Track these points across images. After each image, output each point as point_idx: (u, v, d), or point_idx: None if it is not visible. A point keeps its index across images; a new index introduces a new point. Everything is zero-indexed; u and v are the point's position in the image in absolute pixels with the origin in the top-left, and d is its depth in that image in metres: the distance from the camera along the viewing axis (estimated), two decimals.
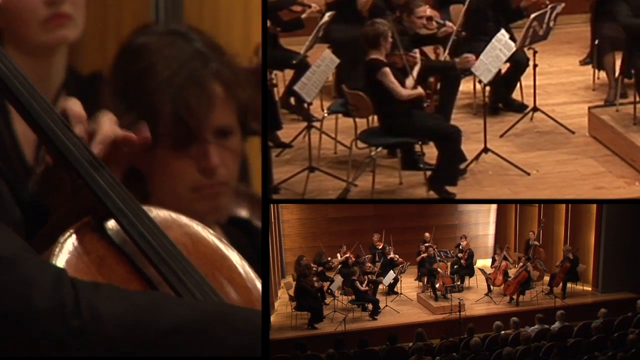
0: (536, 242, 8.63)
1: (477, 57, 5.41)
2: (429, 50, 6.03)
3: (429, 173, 5.16)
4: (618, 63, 5.92)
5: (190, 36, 2.48)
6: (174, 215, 2.16)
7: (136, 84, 2.39)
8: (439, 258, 8.61)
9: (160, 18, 3.18)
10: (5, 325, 1.72)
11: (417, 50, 5.39)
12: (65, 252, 1.92)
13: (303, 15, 6.26)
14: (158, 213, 2.10)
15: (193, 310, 1.87)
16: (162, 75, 2.38)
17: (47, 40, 2.68)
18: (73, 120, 2.01)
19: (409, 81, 5.20)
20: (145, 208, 2.05)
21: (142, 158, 2.33)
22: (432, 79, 5.44)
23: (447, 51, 5.70)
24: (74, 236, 1.96)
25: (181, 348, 1.81)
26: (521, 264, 8.29)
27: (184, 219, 2.17)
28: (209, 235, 2.23)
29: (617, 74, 5.92)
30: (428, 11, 5.80)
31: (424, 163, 5.29)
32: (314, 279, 7.73)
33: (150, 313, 1.81)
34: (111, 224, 2.02)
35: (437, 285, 8.24)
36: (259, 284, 2.22)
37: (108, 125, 2.04)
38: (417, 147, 5.40)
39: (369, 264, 8.46)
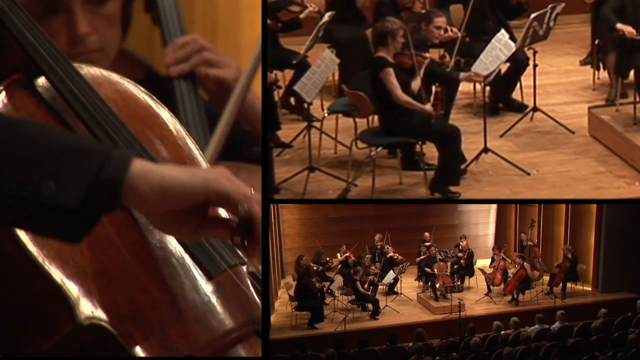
0: (530, 242, 8.64)
1: (477, 57, 5.41)
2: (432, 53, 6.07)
3: (430, 173, 5.15)
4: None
5: None
6: (104, 72, 2.14)
7: None
8: (439, 257, 8.61)
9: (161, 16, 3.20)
10: None
11: (428, 52, 5.38)
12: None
13: (301, 15, 6.26)
14: (89, 70, 2.09)
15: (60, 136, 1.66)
16: None
17: None
18: None
19: (416, 83, 5.19)
20: (76, 65, 2.03)
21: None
22: (437, 89, 5.46)
23: (452, 59, 5.72)
24: (3, 93, 1.95)
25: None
26: (518, 262, 8.30)
27: (114, 77, 2.15)
28: (139, 92, 2.21)
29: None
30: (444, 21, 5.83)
31: (425, 163, 5.29)
32: (314, 279, 7.73)
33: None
34: (41, 80, 2.00)
35: (437, 285, 8.24)
36: (189, 142, 2.21)
37: None
38: (417, 147, 5.39)
39: (372, 267, 8.47)
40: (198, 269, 2.08)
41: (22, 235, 1.87)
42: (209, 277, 2.08)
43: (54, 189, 1.56)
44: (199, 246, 2.08)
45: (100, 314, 1.91)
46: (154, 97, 2.24)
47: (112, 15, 2.55)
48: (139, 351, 1.95)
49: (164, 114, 2.23)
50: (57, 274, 1.88)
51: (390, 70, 5.05)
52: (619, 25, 5.68)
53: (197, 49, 2.83)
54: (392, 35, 5.09)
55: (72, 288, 1.88)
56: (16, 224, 1.75)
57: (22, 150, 1.58)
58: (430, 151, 5.28)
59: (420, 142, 5.23)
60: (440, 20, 5.71)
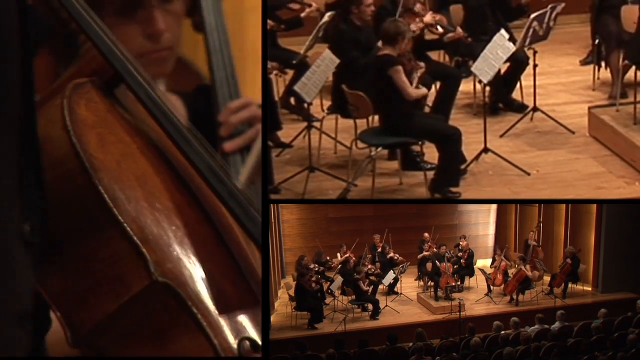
0: (534, 242, 8.65)
1: (477, 57, 5.41)
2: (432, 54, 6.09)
3: (430, 173, 5.15)
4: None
5: None
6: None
7: None
8: (447, 255, 8.61)
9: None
10: None
11: (423, 63, 5.40)
12: (75, 92, 2.15)
13: (302, 14, 6.27)
14: None
15: None
16: None
17: None
18: None
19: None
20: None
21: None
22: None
23: (453, 63, 5.73)
24: (89, 84, 2.20)
25: None
26: (519, 263, 8.30)
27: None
28: None
29: (620, 72, 5.93)
30: (435, 16, 5.82)
31: (424, 162, 5.30)
32: (314, 278, 7.74)
33: None
34: (119, 86, 2.25)
35: (440, 284, 8.24)
36: None
37: None
38: (417, 148, 5.40)
39: (370, 265, 8.47)
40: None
41: (106, 194, 2.03)
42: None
43: None
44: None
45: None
46: None
47: (179, 13, 2.56)
48: (195, 312, 2.06)
49: None
50: (134, 235, 2.04)
51: (400, 68, 5.07)
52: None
53: (251, 118, 2.52)
54: (402, 36, 5.12)
55: (147, 250, 2.03)
56: None
57: None
58: (430, 151, 5.28)
59: (420, 142, 5.23)
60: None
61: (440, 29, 5.85)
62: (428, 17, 5.79)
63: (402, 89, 5.06)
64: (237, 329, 2.10)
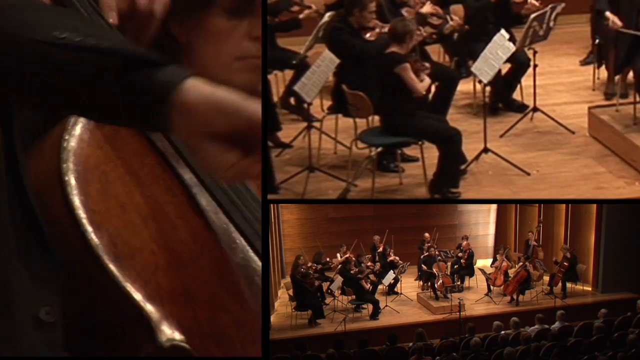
0: (535, 242, 8.65)
1: (477, 57, 5.41)
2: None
3: (429, 173, 5.15)
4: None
5: None
6: None
7: None
8: (439, 258, 8.62)
9: None
10: None
11: (429, 64, 5.40)
12: (79, 124, 1.95)
13: (301, 16, 6.27)
14: None
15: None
16: None
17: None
18: (106, 9, 2.08)
19: None
20: None
21: (190, 27, 2.31)
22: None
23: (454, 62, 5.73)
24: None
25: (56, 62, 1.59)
26: (520, 263, 8.31)
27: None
28: None
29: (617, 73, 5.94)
30: (435, 8, 5.83)
31: (397, 166, 5.32)
32: (313, 277, 7.75)
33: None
34: None
35: (436, 285, 8.25)
36: None
37: None
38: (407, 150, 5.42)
39: (370, 263, 8.48)
40: None
41: (105, 255, 1.87)
42: None
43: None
44: None
45: (181, 335, 1.89)
46: None
47: None
48: None
49: None
50: (138, 296, 1.87)
51: (408, 66, 5.08)
52: (608, 14, 5.70)
53: None
54: (410, 35, 5.13)
55: (153, 309, 1.88)
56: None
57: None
58: (431, 151, 5.28)
59: (420, 142, 5.23)
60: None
61: (438, 19, 5.85)
62: (427, 7, 5.79)
63: (410, 85, 5.06)
64: None
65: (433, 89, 5.74)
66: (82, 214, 1.86)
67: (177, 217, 2.00)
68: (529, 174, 5.20)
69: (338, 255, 8.63)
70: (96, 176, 1.93)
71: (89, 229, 1.86)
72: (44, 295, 1.74)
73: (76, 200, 1.87)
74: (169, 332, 1.87)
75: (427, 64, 5.35)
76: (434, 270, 8.38)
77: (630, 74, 5.89)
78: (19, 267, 1.73)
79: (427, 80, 5.22)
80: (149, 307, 1.87)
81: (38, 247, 1.76)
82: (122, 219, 1.91)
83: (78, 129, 1.94)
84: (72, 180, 1.89)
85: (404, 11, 5.72)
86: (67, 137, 1.92)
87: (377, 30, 5.58)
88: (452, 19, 5.86)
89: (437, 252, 8.67)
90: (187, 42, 2.34)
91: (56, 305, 1.76)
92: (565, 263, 8.22)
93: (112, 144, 1.97)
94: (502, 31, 5.45)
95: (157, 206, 1.98)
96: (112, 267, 1.86)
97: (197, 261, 1.99)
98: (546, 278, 8.45)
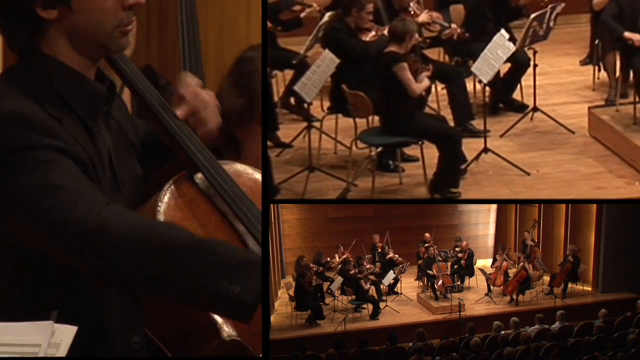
0: (531, 242, 8.65)
1: (477, 57, 5.41)
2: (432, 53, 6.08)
3: (429, 173, 5.15)
4: (618, 63, 5.93)
5: None
6: (242, 166, 2.86)
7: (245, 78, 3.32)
8: (439, 259, 8.61)
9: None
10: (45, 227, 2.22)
11: (430, 66, 5.40)
12: (168, 194, 2.62)
13: (302, 14, 6.26)
14: (232, 165, 2.82)
15: (189, 236, 2.29)
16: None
17: (112, 46, 2.57)
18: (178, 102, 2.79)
19: None
20: (222, 162, 2.75)
21: (241, 130, 3.27)
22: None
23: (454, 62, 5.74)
24: (173, 185, 2.65)
25: (173, 267, 2.19)
26: (520, 263, 8.30)
27: (249, 169, 2.87)
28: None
29: (617, 73, 5.93)
30: (431, 15, 5.83)
31: (397, 165, 5.32)
32: (314, 277, 7.74)
33: (150, 231, 2.27)
34: (199, 176, 2.71)
35: (436, 285, 8.24)
36: None
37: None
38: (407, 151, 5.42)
39: (370, 265, 8.47)
40: None
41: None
42: None
43: (239, 291, 2.17)
44: None
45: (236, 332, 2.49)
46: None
47: None
48: None
49: None
50: None
51: (405, 65, 5.09)
52: (627, 34, 5.68)
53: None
54: (409, 35, 5.14)
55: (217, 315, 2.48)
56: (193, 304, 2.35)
57: (208, 262, 2.21)
58: (431, 151, 5.28)
59: (420, 142, 5.23)
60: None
61: (437, 26, 5.85)
62: (423, 16, 5.79)
63: (406, 85, 5.07)
64: None
65: (439, 89, 5.75)
66: None
67: None
68: (529, 174, 5.20)
69: (336, 256, 8.63)
70: None
71: None
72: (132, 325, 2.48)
73: None
74: (228, 330, 2.47)
75: (428, 65, 5.35)
76: (434, 271, 8.38)
77: (631, 75, 5.89)
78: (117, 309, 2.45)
79: (426, 81, 5.21)
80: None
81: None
82: None
83: (166, 198, 2.60)
84: None
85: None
86: (160, 204, 2.58)
87: (374, 32, 5.59)
88: (450, 26, 5.85)
89: (436, 252, 8.66)
90: (243, 140, 3.29)
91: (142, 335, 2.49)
92: (568, 264, 8.21)
93: (189, 207, 2.63)
94: (502, 31, 5.45)
95: None
96: None
97: None
98: (546, 278, 8.45)
